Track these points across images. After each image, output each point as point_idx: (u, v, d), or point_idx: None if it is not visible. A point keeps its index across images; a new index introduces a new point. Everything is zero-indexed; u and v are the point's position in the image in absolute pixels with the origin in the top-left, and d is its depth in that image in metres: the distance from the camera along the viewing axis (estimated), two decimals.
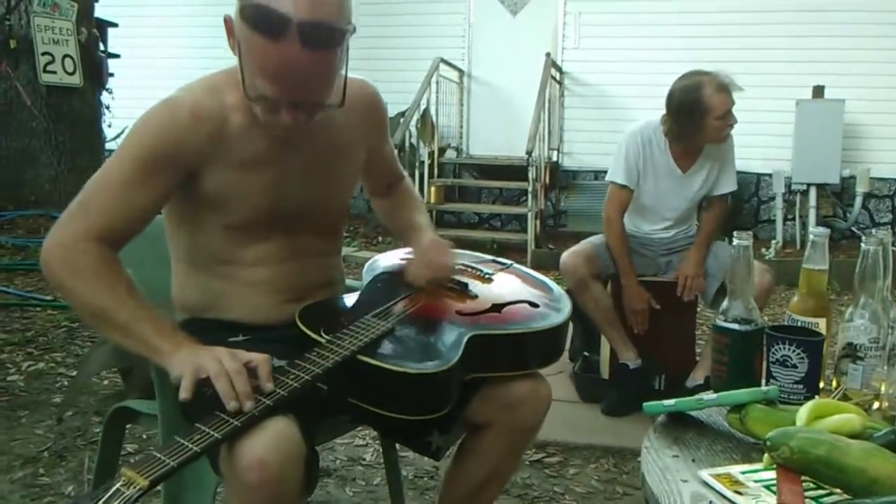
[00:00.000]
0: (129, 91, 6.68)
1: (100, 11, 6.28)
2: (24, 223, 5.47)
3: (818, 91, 6.16)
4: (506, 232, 6.82)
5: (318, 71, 1.15)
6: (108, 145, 6.49)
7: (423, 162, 6.51)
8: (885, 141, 6.28)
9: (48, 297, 3.98)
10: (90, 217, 1.20)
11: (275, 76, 1.13)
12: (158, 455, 0.92)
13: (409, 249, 1.53)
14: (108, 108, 6.57)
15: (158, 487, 0.91)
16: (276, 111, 1.19)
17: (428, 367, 1.16)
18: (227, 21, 1.19)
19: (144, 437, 2.35)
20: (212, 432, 0.97)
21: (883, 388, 1.14)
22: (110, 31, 6.65)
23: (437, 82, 6.68)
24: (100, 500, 0.85)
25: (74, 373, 2.92)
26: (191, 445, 0.94)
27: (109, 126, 6.60)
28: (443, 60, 6.71)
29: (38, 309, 3.85)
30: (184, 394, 1.06)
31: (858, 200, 6.26)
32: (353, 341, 1.16)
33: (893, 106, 6.15)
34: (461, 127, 7.37)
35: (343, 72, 1.21)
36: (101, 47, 6.35)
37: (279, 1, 1.08)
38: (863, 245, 1.18)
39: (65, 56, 5.77)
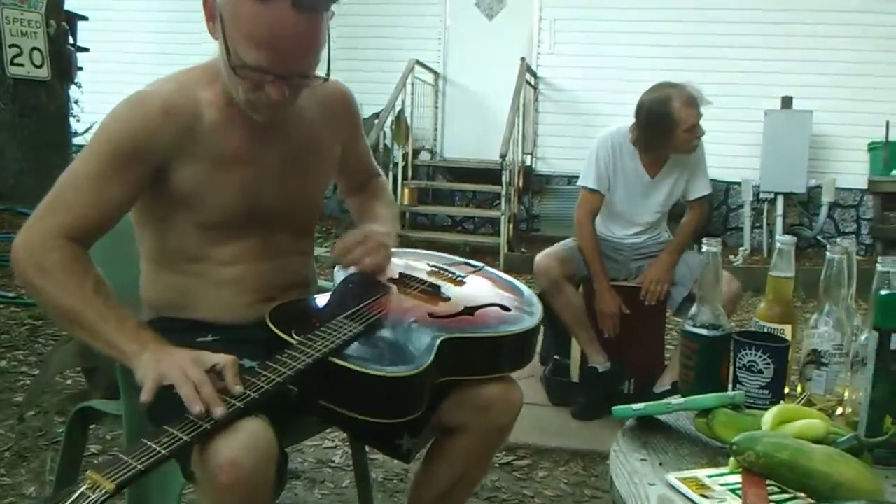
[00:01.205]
0: (98, 85, 6.57)
1: (69, 4, 6.16)
2: None
3: (786, 101, 6.27)
4: (479, 235, 6.83)
5: (306, 35, 1.14)
6: (76, 140, 6.37)
7: (396, 164, 6.49)
8: (850, 152, 6.41)
9: (11, 294, 3.89)
10: (59, 214, 1.17)
11: (263, 41, 1.11)
12: (125, 458, 0.90)
13: None
14: (76, 102, 6.46)
15: (123, 490, 0.89)
16: (261, 87, 1.17)
17: (401, 371, 1.15)
18: (207, 2, 1.16)
19: (108, 437, 2.31)
20: (180, 435, 0.95)
21: (846, 394, 1.16)
22: (80, 24, 6.53)
23: (412, 84, 6.67)
24: (64, 502, 0.83)
25: (37, 371, 2.86)
26: (158, 448, 0.92)
27: (78, 120, 6.48)
28: (418, 62, 6.70)
29: (1, 306, 3.76)
30: (144, 397, 1.04)
31: (824, 210, 6.39)
32: (324, 343, 1.15)
33: (859, 117, 6.28)
34: (436, 129, 7.37)
35: (326, 47, 1.20)
36: (71, 40, 6.23)
37: None
38: (828, 254, 1.20)
39: (33, 49, 5.65)
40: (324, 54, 1.20)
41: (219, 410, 1.00)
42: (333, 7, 1.16)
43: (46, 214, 1.18)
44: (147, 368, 1.06)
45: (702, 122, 2.59)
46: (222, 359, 1.07)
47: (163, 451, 0.92)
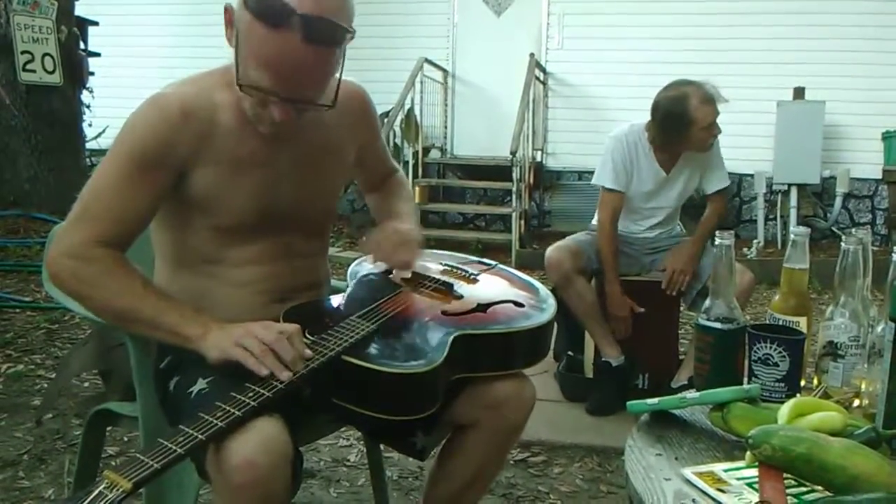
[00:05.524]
0: (110, 90, 6.63)
1: (80, 10, 6.21)
2: (3, 223, 5.39)
3: (799, 92, 6.22)
4: (490, 232, 6.82)
5: (314, 67, 1.15)
6: (88, 144, 6.42)
7: (407, 162, 6.50)
8: (864, 142, 6.35)
9: (27, 299, 3.93)
10: (91, 224, 1.20)
11: (270, 66, 1.13)
12: (141, 457, 0.91)
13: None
14: (88, 107, 6.50)
15: (140, 490, 0.90)
16: (265, 105, 1.18)
17: (413, 367, 1.16)
18: (228, 10, 1.18)
19: (125, 439, 2.33)
20: (195, 434, 0.96)
21: (863, 386, 1.15)
22: (91, 29, 6.59)
23: (422, 82, 6.67)
24: (82, 503, 0.84)
25: (54, 375, 2.88)
26: (174, 447, 0.93)
27: (90, 125, 6.53)
28: (427, 60, 6.70)
29: (17, 310, 3.80)
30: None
31: (838, 200, 6.33)
32: (337, 342, 1.16)
33: (873, 107, 6.22)
34: (445, 127, 7.37)
35: (338, 74, 1.21)
36: (82, 46, 6.29)
37: None
38: (843, 245, 1.19)
39: (45, 55, 5.71)
40: (333, 82, 1.21)
41: (299, 364, 1.08)
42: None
43: (78, 224, 1.20)
44: (220, 345, 1.12)
45: (717, 122, 2.57)
46: (287, 327, 1.14)
47: (179, 450, 0.93)
